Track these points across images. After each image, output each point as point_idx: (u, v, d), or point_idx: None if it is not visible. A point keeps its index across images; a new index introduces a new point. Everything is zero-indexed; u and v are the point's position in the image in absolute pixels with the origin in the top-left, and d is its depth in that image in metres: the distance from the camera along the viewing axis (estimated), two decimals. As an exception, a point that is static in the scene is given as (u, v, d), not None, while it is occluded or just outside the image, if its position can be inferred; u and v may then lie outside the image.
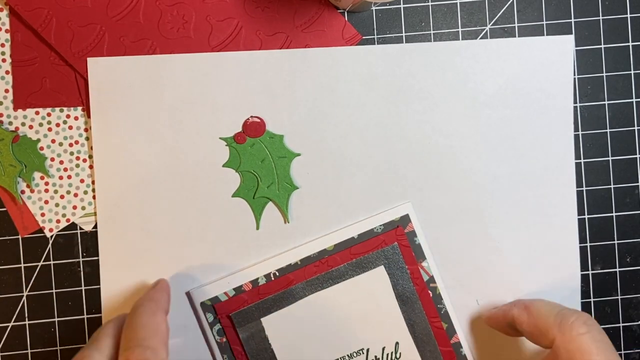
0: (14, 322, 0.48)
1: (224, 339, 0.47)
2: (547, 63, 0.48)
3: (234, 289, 0.47)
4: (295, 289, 0.47)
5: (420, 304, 0.47)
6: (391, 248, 0.47)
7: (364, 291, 0.47)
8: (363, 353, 0.47)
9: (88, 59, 0.47)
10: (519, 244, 0.48)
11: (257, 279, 0.47)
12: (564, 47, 0.48)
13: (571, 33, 0.49)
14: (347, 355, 0.47)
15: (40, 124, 0.48)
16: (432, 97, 0.48)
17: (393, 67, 0.48)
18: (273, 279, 0.47)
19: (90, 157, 0.48)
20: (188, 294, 0.47)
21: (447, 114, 0.48)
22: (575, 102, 0.49)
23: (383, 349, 0.47)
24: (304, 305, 0.47)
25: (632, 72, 0.49)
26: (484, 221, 0.48)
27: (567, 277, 0.48)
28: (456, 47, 0.48)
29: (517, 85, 0.48)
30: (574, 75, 0.49)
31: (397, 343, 0.47)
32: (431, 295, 0.47)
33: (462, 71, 0.48)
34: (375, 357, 0.47)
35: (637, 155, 0.49)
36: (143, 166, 0.47)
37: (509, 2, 0.49)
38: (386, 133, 0.48)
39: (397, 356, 0.47)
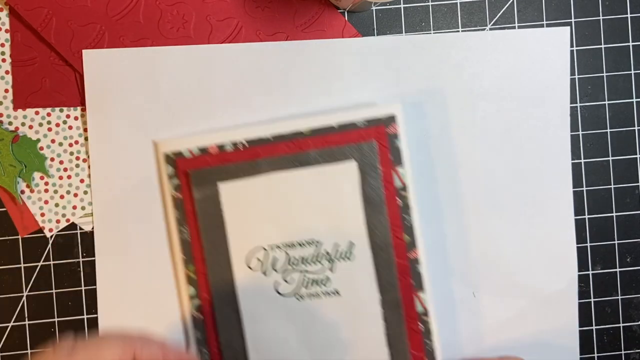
0: (14, 322, 0.48)
1: (179, 195, 0.46)
2: (544, 54, 0.48)
3: (199, 149, 0.46)
4: (261, 162, 0.45)
5: (386, 210, 0.46)
6: (368, 145, 0.45)
7: (330, 183, 0.46)
8: (314, 244, 0.46)
9: (83, 50, 0.47)
10: (515, 237, 0.48)
11: (224, 144, 0.46)
12: (560, 38, 0.48)
13: (571, 33, 0.49)
14: (298, 242, 0.46)
15: (40, 124, 0.48)
16: (428, 89, 0.48)
17: (389, 59, 0.48)
18: (241, 148, 0.46)
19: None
20: (154, 143, 0.47)
21: (443, 106, 0.48)
22: (575, 102, 0.49)
23: (336, 245, 0.46)
24: (266, 182, 0.46)
25: (632, 72, 0.49)
26: (479, 213, 0.48)
27: (564, 270, 0.48)
28: (452, 39, 0.48)
29: (513, 77, 0.48)
30: (575, 74, 0.49)
31: (352, 243, 0.46)
32: (400, 204, 0.46)
33: (458, 63, 0.48)
34: (327, 251, 0.46)
35: (637, 155, 0.49)
36: (140, 158, 0.47)
37: (509, 2, 0.49)
38: None
39: (349, 256, 0.46)
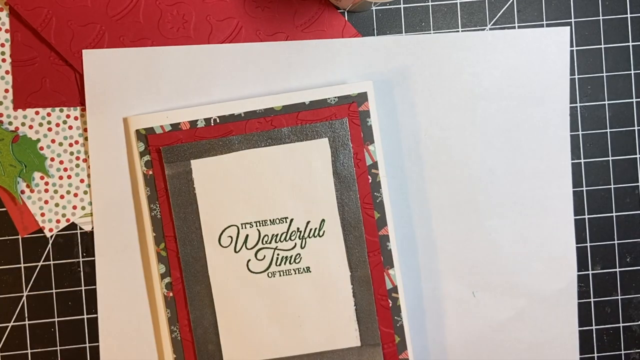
0: (14, 322, 0.48)
1: (150, 172, 0.46)
2: (544, 54, 0.48)
3: (171, 125, 0.46)
4: (233, 139, 0.46)
5: (357, 187, 0.46)
6: (340, 122, 0.46)
7: (302, 159, 0.46)
8: (286, 222, 0.46)
9: (83, 50, 0.47)
10: (515, 236, 0.48)
11: (197, 120, 0.46)
12: (560, 38, 0.48)
13: (571, 33, 0.49)
14: (270, 220, 0.46)
15: (40, 124, 0.48)
16: (428, 89, 0.48)
17: (388, 59, 0.48)
18: (213, 124, 0.46)
19: (90, 157, 0.48)
20: (125, 120, 0.47)
21: (442, 106, 0.48)
22: (575, 102, 0.49)
23: (307, 222, 0.46)
24: (238, 159, 0.46)
25: (632, 72, 0.49)
26: (479, 213, 0.48)
27: (564, 270, 0.48)
28: (452, 39, 0.48)
29: (513, 77, 0.48)
30: (575, 74, 0.49)
31: (323, 220, 0.46)
32: (370, 181, 0.46)
33: (457, 63, 0.48)
34: (298, 228, 0.46)
35: (637, 155, 0.49)
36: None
37: (509, 2, 0.49)
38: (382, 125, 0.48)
39: (320, 234, 0.46)
